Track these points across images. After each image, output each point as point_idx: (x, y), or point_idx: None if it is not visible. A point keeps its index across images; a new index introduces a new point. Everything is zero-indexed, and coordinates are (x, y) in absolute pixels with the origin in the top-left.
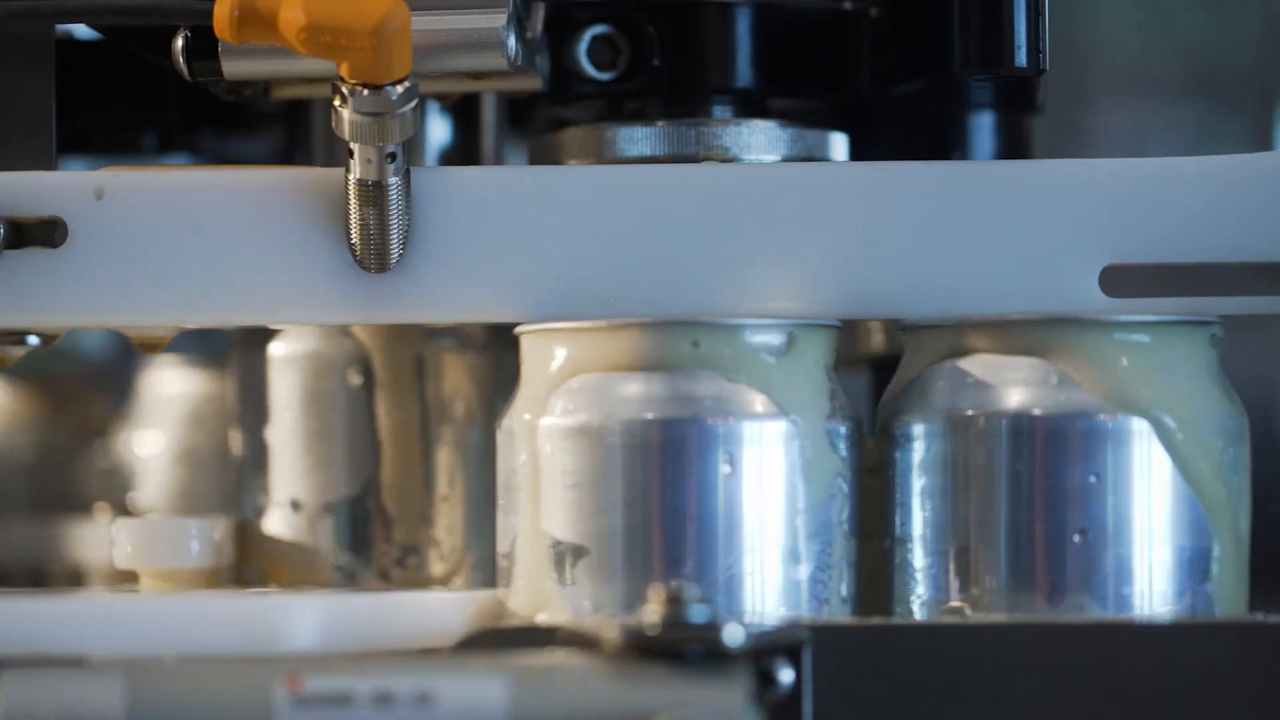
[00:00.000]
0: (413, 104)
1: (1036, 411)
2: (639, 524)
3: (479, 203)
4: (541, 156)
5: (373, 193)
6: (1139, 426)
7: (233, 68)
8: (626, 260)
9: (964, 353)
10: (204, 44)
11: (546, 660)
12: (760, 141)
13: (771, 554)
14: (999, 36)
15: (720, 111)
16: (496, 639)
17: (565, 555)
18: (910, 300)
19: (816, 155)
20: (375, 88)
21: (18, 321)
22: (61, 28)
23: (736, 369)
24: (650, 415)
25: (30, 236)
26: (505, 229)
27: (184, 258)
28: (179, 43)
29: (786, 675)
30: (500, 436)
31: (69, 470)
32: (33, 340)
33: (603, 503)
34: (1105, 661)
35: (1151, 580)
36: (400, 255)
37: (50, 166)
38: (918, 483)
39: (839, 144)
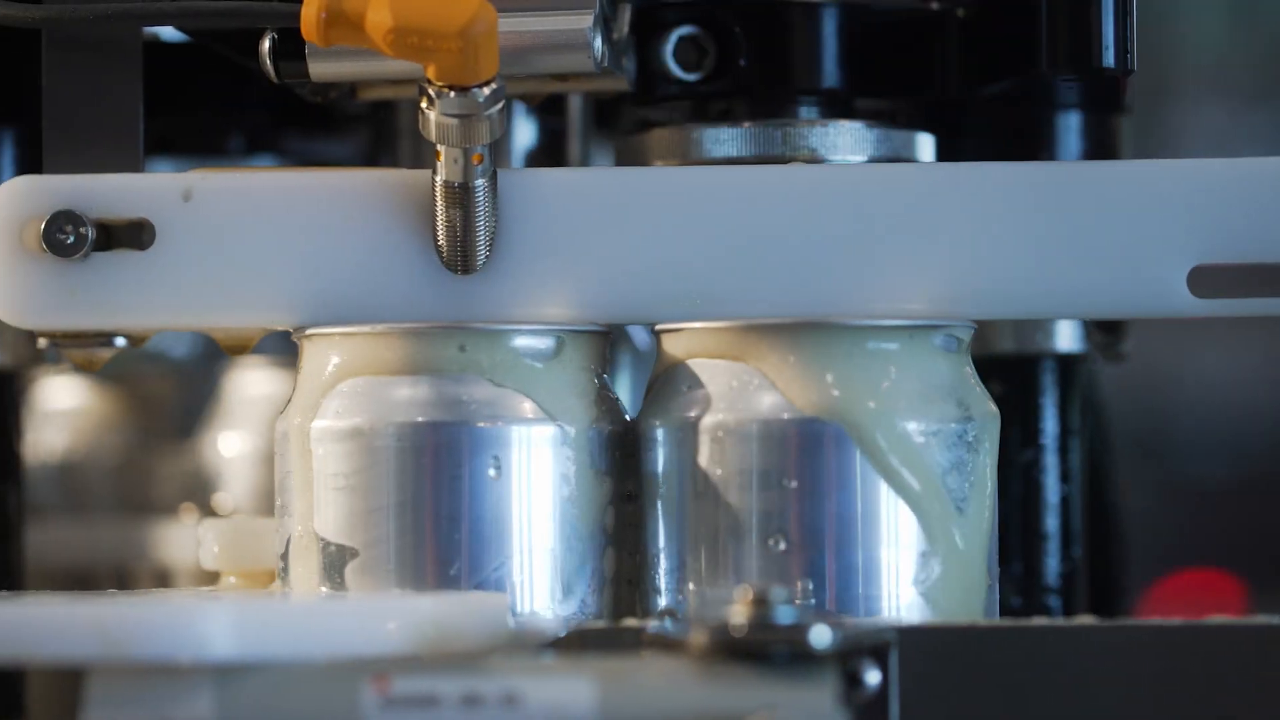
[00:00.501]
0: (499, 105)
1: (728, 417)
2: (407, 526)
3: (565, 204)
4: (627, 158)
5: (459, 194)
6: (831, 431)
7: (319, 69)
8: (711, 261)
9: (687, 357)
10: (291, 46)
11: (633, 662)
12: (846, 142)
13: (538, 557)
14: (1087, 37)
15: (807, 112)
16: (583, 640)
17: (335, 557)
18: (996, 301)
19: (903, 156)
20: (462, 89)
21: (106, 323)
22: (149, 30)
23: (503, 374)
24: (418, 418)
25: (118, 238)
26: (591, 230)
27: (271, 259)
28: (266, 45)
29: (873, 676)
30: (275, 439)
31: (154, 471)
32: (120, 342)
33: (371, 505)
34: (1191, 662)
35: (861, 584)
36: (487, 257)
37: (138, 169)
38: (649, 488)
39: (925, 145)
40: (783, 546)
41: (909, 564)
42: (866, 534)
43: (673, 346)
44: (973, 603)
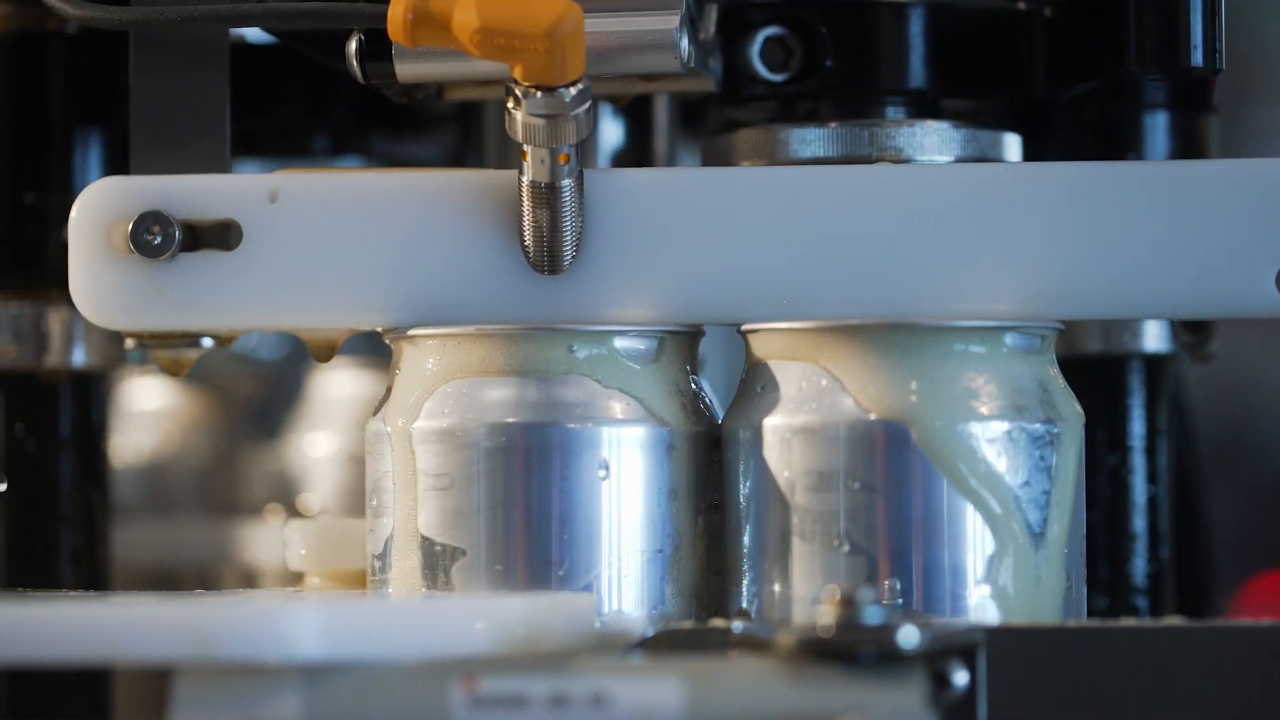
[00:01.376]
0: (586, 106)
1: (794, 419)
2: (514, 527)
3: (651, 204)
4: (714, 158)
5: (546, 195)
6: (899, 434)
7: (406, 70)
8: (797, 261)
9: (764, 359)
10: (377, 47)
11: (721, 663)
12: (933, 142)
13: (638, 559)
14: (1175, 36)
15: (893, 112)
16: (671, 641)
17: (439, 557)
18: (1083, 302)
19: (990, 156)
20: (549, 90)
21: (193, 324)
22: (235, 32)
23: (607, 375)
24: (527, 419)
25: (205, 239)
26: (677, 231)
27: (357, 260)
28: (352, 45)
29: (961, 677)
30: (368, 440)
31: (240, 472)
32: (207, 343)
33: (477, 505)
34: (1278, 664)
35: (931, 585)
36: (573, 257)
37: (225, 170)
38: (730, 490)
39: (1012, 145)
40: (847, 549)
41: (979, 566)
42: (933, 536)
43: (753, 348)
44: (1047, 604)
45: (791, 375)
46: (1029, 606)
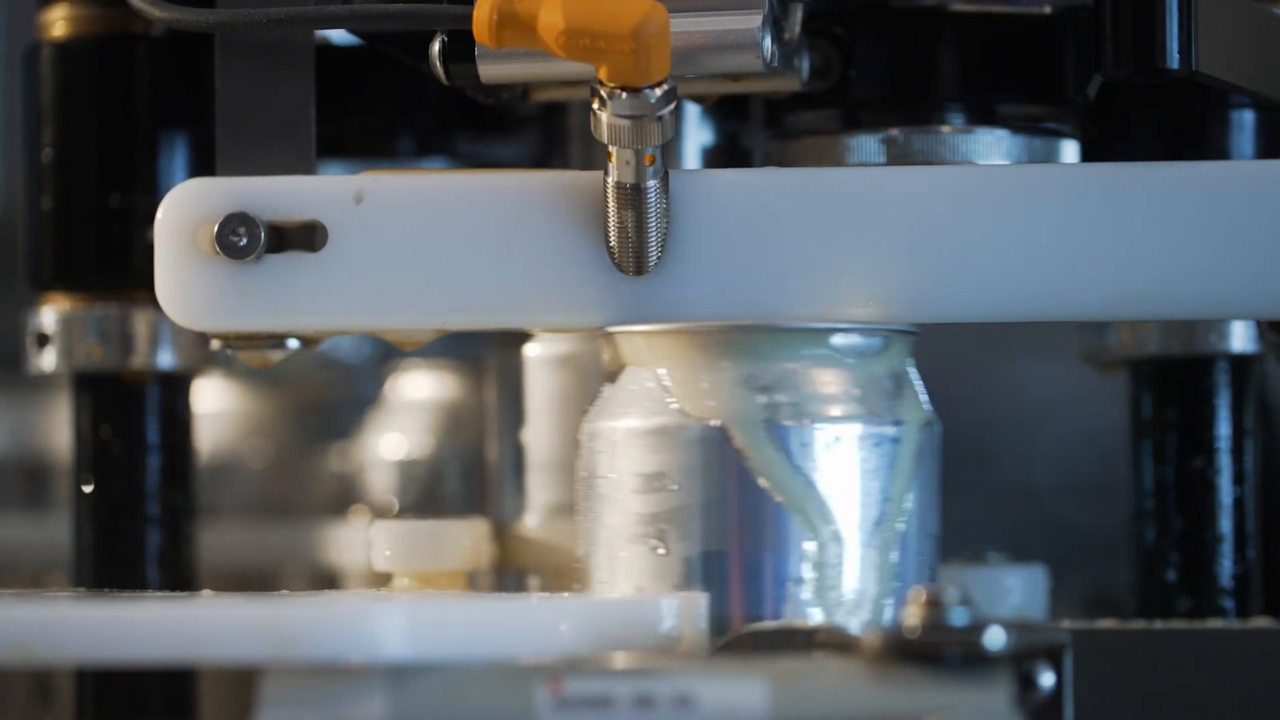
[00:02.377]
0: (671, 106)
1: (623, 422)
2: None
3: (737, 205)
4: (777, 162)
5: (631, 195)
6: (711, 435)
7: (490, 71)
8: (882, 261)
9: (612, 362)
10: (462, 48)
11: (806, 663)
12: (990, 149)
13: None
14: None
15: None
16: (755, 641)
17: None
18: (1167, 302)
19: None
20: (634, 90)
21: (278, 325)
22: (320, 33)
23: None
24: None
25: (290, 240)
26: (763, 231)
27: (442, 261)
28: (437, 47)
29: (1047, 678)
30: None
31: (325, 473)
32: (292, 344)
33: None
34: None
35: (743, 588)
36: (659, 258)
37: (310, 171)
38: (578, 491)
39: (1069, 149)
40: (663, 551)
41: (797, 569)
42: (751, 539)
43: (604, 351)
44: (869, 607)
45: (626, 378)
46: (851, 608)
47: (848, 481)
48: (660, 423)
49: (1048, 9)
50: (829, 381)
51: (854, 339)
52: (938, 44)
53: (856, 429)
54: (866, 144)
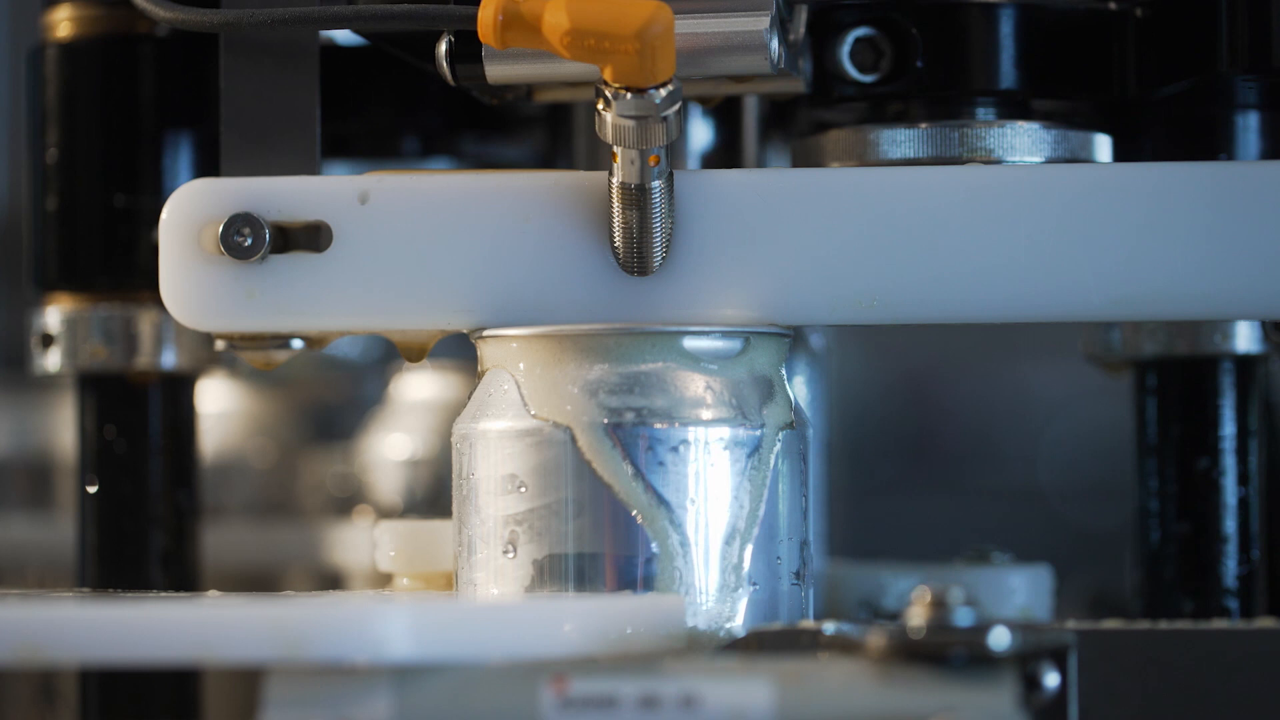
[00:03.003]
0: (676, 107)
1: (479, 424)
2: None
3: (741, 205)
4: (803, 159)
5: (636, 196)
6: (556, 436)
7: (496, 71)
8: (887, 262)
9: (480, 365)
10: (467, 48)
11: (812, 664)
12: (1024, 143)
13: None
14: (1268, 36)
15: (983, 113)
16: (761, 642)
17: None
18: (1173, 302)
19: (1080, 157)
20: (639, 91)
21: (283, 325)
22: (325, 34)
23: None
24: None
25: (295, 241)
26: (767, 232)
27: (447, 261)
28: (442, 47)
29: (1052, 679)
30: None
31: (328, 473)
32: (297, 344)
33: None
34: None
35: (588, 586)
36: (663, 258)
37: (314, 171)
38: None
39: (1103, 145)
40: (512, 554)
41: (641, 570)
42: (595, 541)
43: (477, 353)
44: (718, 609)
45: (486, 381)
46: (696, 612)
47: (696, 484)
48: (510, 425)
49: (1111, 4)
50: (683, 385)
51: (708, 342)
52: (969, 36)
53: (706, 432)
54: (894, 137)
